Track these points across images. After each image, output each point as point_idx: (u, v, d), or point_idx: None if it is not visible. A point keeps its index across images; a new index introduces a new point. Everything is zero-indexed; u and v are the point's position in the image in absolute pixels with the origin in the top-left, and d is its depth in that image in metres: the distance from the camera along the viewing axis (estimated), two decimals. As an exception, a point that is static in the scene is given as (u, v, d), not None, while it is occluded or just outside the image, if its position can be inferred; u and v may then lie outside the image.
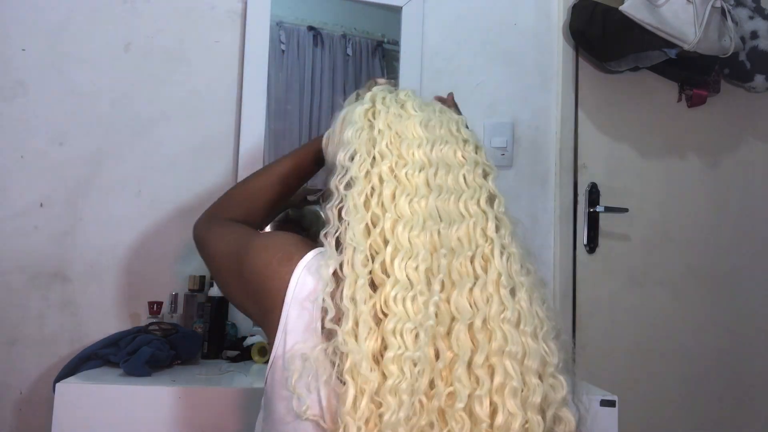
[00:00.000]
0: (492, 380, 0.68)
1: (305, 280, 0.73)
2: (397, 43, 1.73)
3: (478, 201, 0.75)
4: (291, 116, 1.68)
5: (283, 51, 1.67)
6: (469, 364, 0.68)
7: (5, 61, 1.54)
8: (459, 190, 0.74)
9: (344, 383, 0.66)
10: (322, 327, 0.70)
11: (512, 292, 0.72)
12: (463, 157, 0.77)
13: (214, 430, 1.16)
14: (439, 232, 0.71)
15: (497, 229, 0.75)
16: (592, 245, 1.79)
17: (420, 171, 0.73)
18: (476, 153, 0.79)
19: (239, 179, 1.58)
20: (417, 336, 0.66)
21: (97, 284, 1.53)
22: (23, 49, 1.55)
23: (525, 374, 0.69)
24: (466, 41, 1.79)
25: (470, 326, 0.69)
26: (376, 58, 1.75)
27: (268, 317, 0.74)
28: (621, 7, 1.65)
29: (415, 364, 0.66)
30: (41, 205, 1.53)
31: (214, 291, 1.48)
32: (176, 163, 1.60)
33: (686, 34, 1.63)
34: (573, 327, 1.76)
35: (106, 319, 1.52)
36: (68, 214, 1.54)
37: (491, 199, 0.77)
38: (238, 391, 1.18)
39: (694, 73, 1.84)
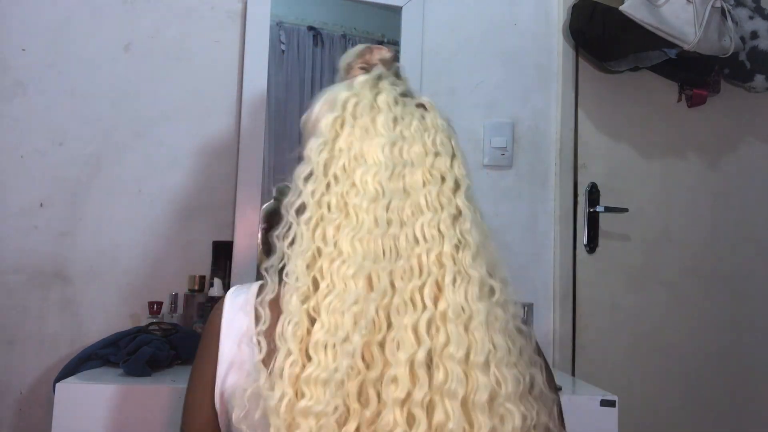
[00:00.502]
0: (431, 421, 0.65)
1: (234, 317, 0.74)
2: (397, 43, 1.73)
3: (438, 224, 0.71)
4: (291, 116, 1.68)
5: (283, 51, 1.68)
6: (404, 403, 0.65)
7: (5, 61, 1.54)
8: (416, 214, 0.70)
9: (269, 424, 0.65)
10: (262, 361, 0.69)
11: (466, 322, 0.68)
12: (430, 174, 0.73)
13: (214, 430, 1.16)
14: (378, 274, 0.67)
15: (456, 251, 0.70)
16: (592, 245, 1.79)
17: (370, 203, 0.69)
18: (450, 165, 0.74)
19: (239, 179, 1.59)
20: (326, 391, 0.64)
21: (97, 284, 1.53)
22: (23, 49, 1.55)
23: (471, 412, 0.66)
24: (466, 41, 1.79)
25: (411, 362, 0.66)
26: (376, 58, 1.75)
27: (211, 356, 0.74)
28: (621, 7, 1.65)
29: (321, 417, 0.64)
30: (41, 205, 1.53)
31: (214, 291, 1.48)
32: (176, 163, 1.60)
33: (686, 34, 1.63)
34: (573, 327, 1.76)
35: (106, 319, 1.52)
36: (68, 214, 1.54)
37: (456, 218, 0.72)
38: (238, 391, 1.18)
39: (694, 73, 1.84)
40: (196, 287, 1.52)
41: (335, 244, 0.68)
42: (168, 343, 1.32)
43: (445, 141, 0.76)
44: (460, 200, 0.74)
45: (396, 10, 1.72)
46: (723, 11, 1.70)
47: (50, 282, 1.52)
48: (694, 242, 1.88)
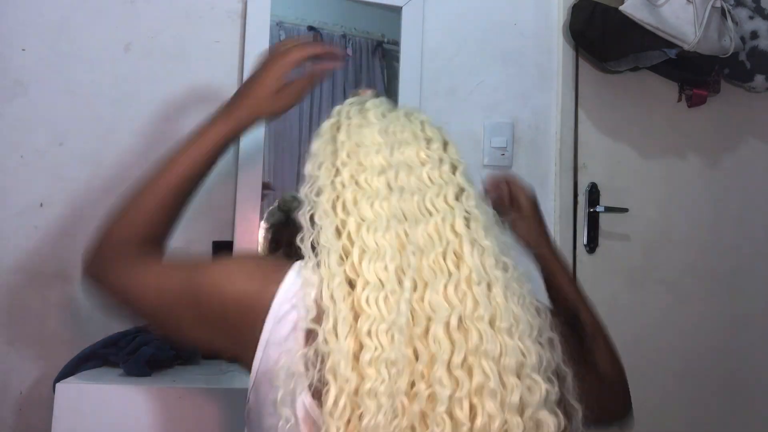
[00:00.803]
0: (471, 381, 0.67)
1: (292, 290, 0.73)
2: (397, 43, 1.73)
3: (445, 197, 0.74)
4: (291, 116, 1.68)
5: (283, 51, 1.67)
6: (448, 365, 0.67)
7: (5, 61, 1.54)
8: (423, 188, 0.74)
9: (326, 383, 0.66)
10: (306, 331, 0.69)
11: (488, 288, 0.71)
12: (426, 155, 0.77)
13: (214, 431, 1.16)
14: (405, 232, 0.71)
15: (467, 223, 0.73)
16: (592, 245, 1.79)
17: (379, 175, 0.74)
18: (443, 150, 0.79)
19: (239, 179, 1.58)
20: (393, 336, 0.66)
21: (97, 284, 1.53)
22: (23, 49, 1.55)
23: (502, 374, 0.68)
24: (466, 41, 1.79)
25: (447, 325, 0.68)
26: (376, 58, 1.75)
27: (246, 336, 0.73)
28: (621, 7, 1.65)
29: (392, 365, 0.65)
30: (41, 205, 1.53)
31: (214, 291, 1.48)
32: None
33: (686, 34, 1.63)
34: (573, 327, 1.76)
35: (105, 319, 1.52)
36: (68, 214, 1.54)
37: (460, 194, 0.76)
38: (238, 391, 1.18)
39: (694, 73, 1.84)
40: (196, 287, 1.51)
41: (357, 211, 0.72)
42: (168, 343, 1.32)
43: (435, 131, 0.81)
44: (461, 179, 0.77)
45: (396, 10, 1.72)
46: (723, 11, 1.70)
47: (50, 282, 1.52)
48: (694, 242, 1.88)
